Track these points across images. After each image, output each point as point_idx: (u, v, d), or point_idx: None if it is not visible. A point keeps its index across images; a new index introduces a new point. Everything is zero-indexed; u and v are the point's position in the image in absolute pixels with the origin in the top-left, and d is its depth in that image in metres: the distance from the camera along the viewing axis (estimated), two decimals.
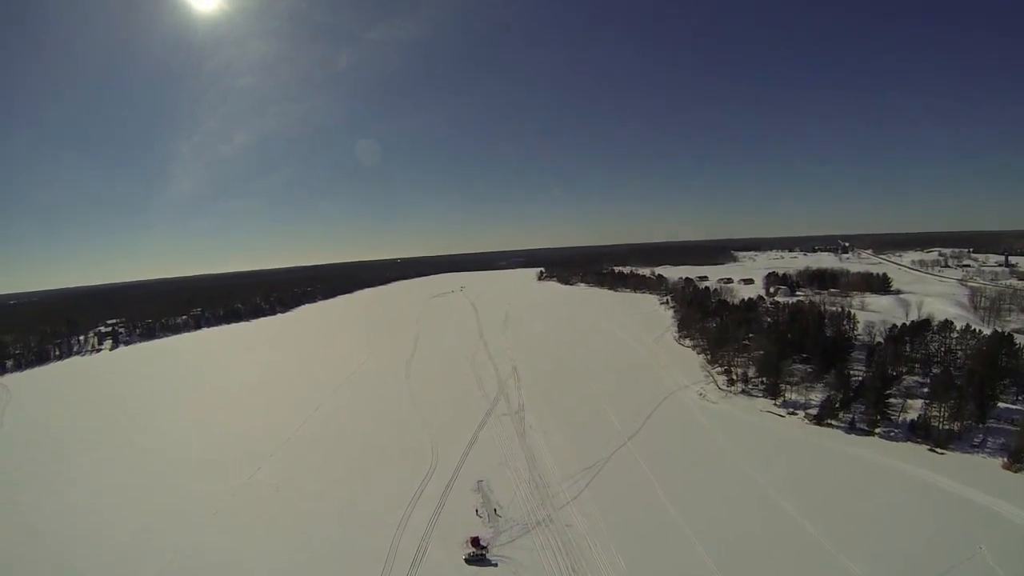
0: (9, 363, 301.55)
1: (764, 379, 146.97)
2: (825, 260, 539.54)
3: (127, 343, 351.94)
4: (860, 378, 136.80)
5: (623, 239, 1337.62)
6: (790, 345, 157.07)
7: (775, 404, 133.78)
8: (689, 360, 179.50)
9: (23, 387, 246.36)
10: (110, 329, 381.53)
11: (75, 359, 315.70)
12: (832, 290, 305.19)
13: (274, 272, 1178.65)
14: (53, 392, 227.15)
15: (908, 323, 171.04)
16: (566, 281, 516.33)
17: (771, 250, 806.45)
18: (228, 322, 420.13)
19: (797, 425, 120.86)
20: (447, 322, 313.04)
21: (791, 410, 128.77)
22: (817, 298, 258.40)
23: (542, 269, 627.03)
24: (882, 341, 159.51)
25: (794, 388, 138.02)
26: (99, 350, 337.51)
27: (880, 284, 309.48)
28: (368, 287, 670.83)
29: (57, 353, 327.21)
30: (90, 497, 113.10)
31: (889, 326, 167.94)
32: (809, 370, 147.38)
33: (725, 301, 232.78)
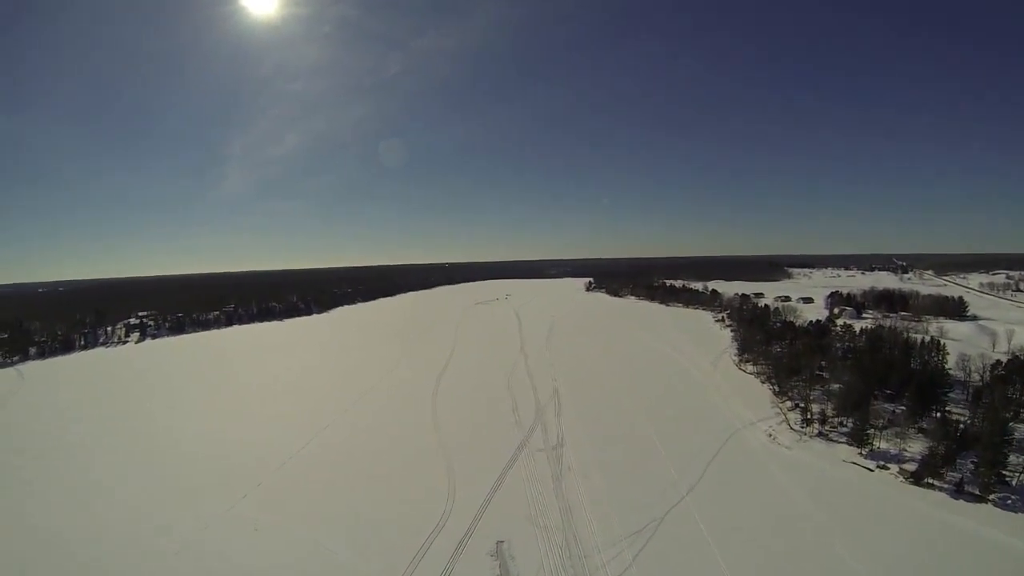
0: (32, 350, 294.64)
1: (844, 420, 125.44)
2: (884, 280, 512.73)
3: (154, 336, 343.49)
4: (961, 425, 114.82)
5: (672, 252, 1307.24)
6: (873, 379, 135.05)
7: (861, 454, 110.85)
8: (752, 390, 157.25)
9: (38, 376, 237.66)
10: (139, 321, 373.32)
11: (99, 350, 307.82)
12: (903, 313, 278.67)
13: (319, 271, 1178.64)
14: (63, 385, 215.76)
15: (1010, 358, 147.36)
16: (615, 293, 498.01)
17: (826, 267, 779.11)
18: (261, 320, 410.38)
19: (890, 483, 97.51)
20: (488, 332, 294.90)
21: (881, 463, 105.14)
22: (888, 322, 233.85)
23: (590, 280, 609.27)
24: (982, 378, 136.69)
25: (883, 434, 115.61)
26: (125, 342, 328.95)
27: (955, 309, 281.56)
28: (412, 291, 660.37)
29: (82, 343, 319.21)
30: (25, 521, 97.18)
31: (992, 361, 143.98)
32: (897, 411, 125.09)
33: (791, 323, 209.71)
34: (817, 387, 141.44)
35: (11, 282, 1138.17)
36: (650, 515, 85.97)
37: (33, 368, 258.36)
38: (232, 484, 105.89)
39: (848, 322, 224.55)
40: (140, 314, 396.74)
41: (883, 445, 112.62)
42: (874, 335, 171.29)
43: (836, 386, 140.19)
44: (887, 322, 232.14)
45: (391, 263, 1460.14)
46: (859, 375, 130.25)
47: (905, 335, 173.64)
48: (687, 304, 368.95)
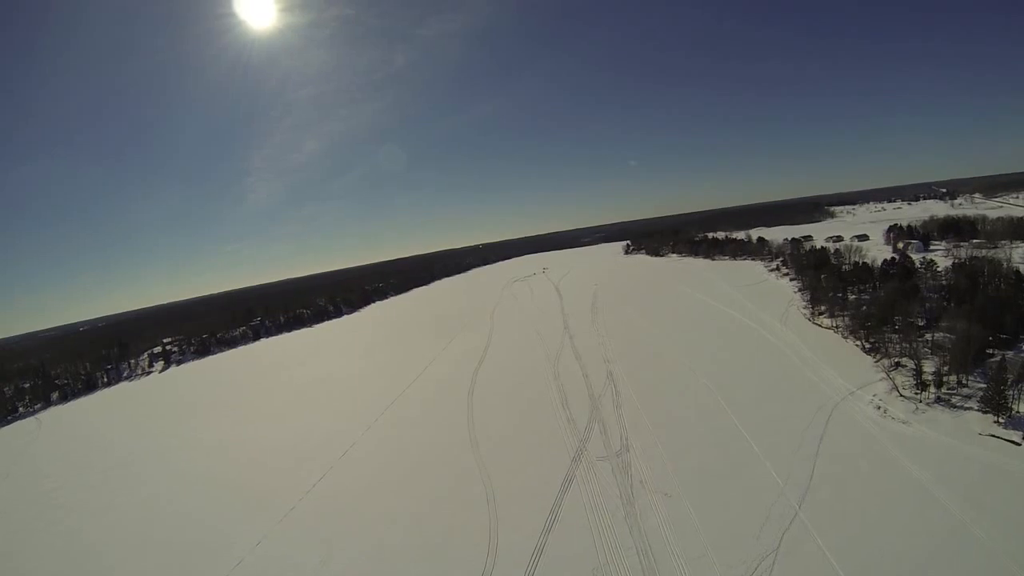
0: (55, 395, 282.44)
1: (962, 378, 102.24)
2: (934, 208, 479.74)
3: (179, 363, 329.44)
4: None
5: (705, 205, 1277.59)
6: (989, 324, 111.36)
7: (998, 422, 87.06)
8: (836, 348, 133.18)
9: (56, 424, 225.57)
10: (163, 349, 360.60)
11: (122, 385, 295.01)
12: (975, 241, 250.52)
13: (353, 270, 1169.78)
14: (77, 430, 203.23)
15: None
16: (655, 252, 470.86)
17: (868, 203, 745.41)
18: (289, 330, 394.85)
19: None
20: (527, 312, 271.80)
21: None
22: (962, 252, 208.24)
23: (628, 242, 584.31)
24: None
25: (1018, 393, 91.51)
26: (148, 373, 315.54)
27: None
28: (446, 276, 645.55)
29: (105, 380, 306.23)
30: None
31: None
32: None
33: (865, 264, 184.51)
34: (919, 338, 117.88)
35: (56, 324, 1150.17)
36: (759, 547, 64.16)
37: (53, 415, 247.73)
38: (220, 552, 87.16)
39: (925, 256, 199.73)
40: (165, 341, 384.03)
41: (1022, 408, 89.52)
42: (971, 270, 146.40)
43: (939, 335, 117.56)
44: (961, 252, 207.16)
45: (424, 252, 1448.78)
46: (979, 321, 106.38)
47: (1008, 265, 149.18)
48: (734, 256, 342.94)
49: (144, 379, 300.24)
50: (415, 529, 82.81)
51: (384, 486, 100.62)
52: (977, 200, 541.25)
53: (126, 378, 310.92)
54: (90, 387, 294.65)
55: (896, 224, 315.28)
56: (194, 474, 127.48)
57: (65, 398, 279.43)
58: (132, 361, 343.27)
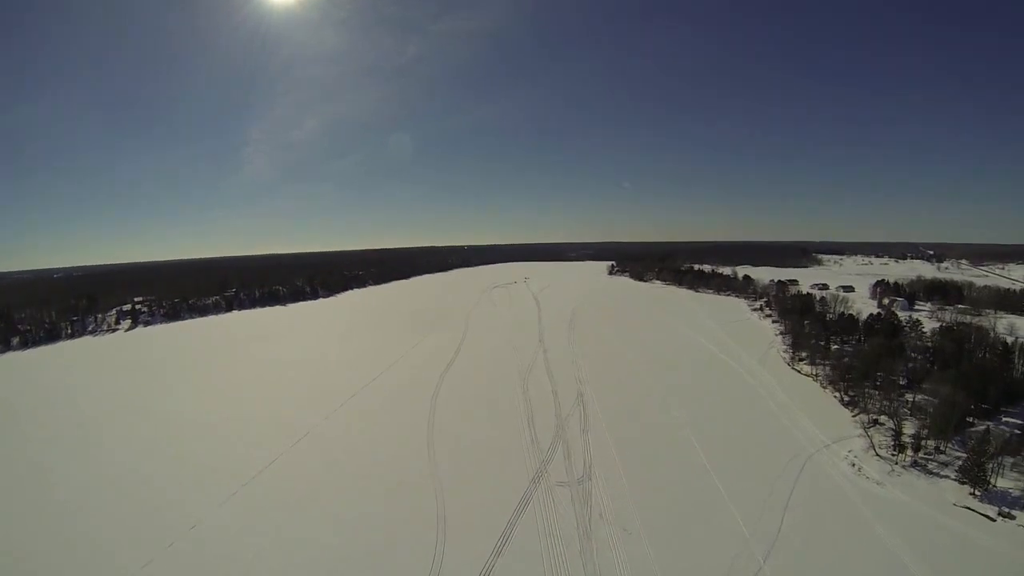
0: (15, 340, 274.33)
1: (940, 444, 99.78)
2: (920, 268, 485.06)
3: (147, 323, 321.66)
4: None
5: (693, 236, 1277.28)
6: (973, 391, 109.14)
7: (973, 494, 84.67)
8: (814, 397, 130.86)
9: (16, 368, 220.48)
10: (132, 307, 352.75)
11: (86, 339, 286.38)
12: (959, 306, 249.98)
13: (338, 254, 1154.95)
14: (26, 380, 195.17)
15: None
16: (639, 277, 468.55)
17: (855, 255, 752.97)
18: (264, 305, 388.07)
19: (1020, 541, 72.05)
20: (503, 319, 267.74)
21: (1003, 509, 78.92)
22: (946, 316, 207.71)
23: (613, 263, 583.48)
24: None
25: (997, 466, 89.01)
26: (114, 330, 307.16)
27: (1018, 302, 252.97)
28: (428, 273, 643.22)
29: (68, 332, 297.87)
30: None
31: None
32: (1010, 434, 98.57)
33: (851, 315, 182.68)
34: (898, 397, 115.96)
35: (31, 268, 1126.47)
36: None
37: (11, 360, 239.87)
38: (146, 537, 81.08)
39: (911, 315, 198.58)
40: (135, 300, 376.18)
41: (1000, 482, 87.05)
42: (958, 335, 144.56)
43: (919, 397, 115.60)
44: (946, 316, 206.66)
45: (410, 245, 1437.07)
46: (965, 387, 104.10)
47: (992, 333, 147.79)
48: (718, 291, 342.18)
49: (109, 336, 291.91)
50: (358, 535, 77.87)
51: (331, 484, 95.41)
52: (963, 266, 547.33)
53: (91, 332, 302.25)
54: (52, 337, 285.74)
55: (883, 279, 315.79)
56: (141, 442, 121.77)
57: (26, 344, 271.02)
58: (99, 316, 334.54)
